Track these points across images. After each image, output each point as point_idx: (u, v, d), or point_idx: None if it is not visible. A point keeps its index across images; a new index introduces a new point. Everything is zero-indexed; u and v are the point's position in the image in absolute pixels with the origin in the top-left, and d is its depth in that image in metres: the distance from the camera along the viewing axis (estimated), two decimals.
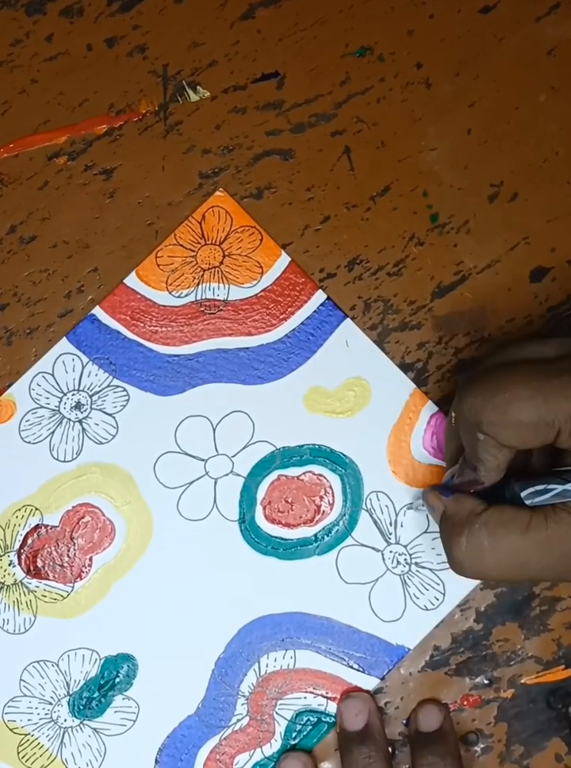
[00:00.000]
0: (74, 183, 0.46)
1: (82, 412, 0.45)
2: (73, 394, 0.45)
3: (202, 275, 0.46)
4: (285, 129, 0.46)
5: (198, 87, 0.46)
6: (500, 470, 0.38)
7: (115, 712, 0.43)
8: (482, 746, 0.43)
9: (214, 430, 0.45)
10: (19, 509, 0.44)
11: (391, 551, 0.44)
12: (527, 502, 0.37)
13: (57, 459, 0.45)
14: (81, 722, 0.43)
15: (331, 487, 0.44)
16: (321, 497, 0.44)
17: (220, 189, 0.46)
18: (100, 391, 0.45)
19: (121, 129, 0.46)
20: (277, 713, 0.43)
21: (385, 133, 0.46)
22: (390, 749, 0.43)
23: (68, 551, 0.44)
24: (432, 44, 0.46)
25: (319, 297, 0.45)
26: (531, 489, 0.37)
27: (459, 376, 0.39)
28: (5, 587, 0.44)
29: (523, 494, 0.37)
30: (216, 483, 0.44)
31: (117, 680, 0.43)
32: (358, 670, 0.43)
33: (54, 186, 0.46)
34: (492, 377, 0.37)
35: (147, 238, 0.46)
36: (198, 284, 0.46)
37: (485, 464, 0.38)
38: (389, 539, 0.44)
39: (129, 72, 0.46)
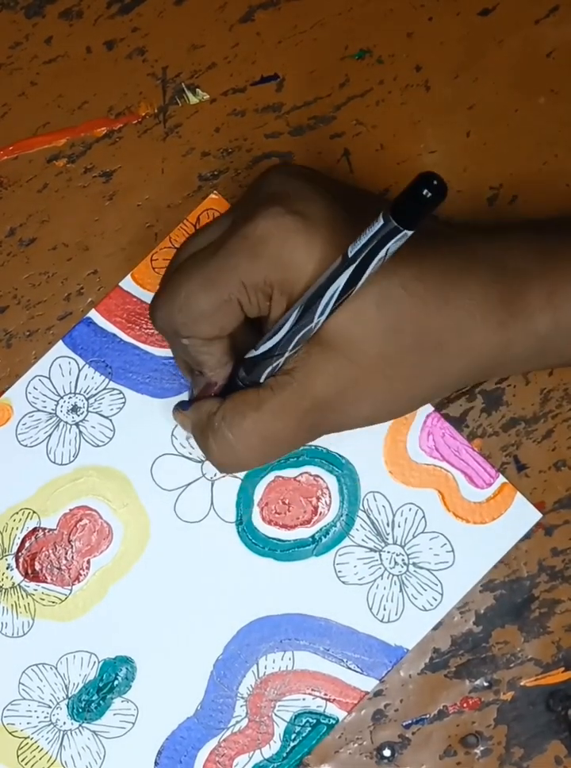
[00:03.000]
0: (74, 186, 0.49)
1: (78, 415, 0.48)
2: (69, 397, 0.48)
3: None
4: (284, 132, 0.49)
5: (198, 90, 0.49)
6: (224, 363, 0.42)
7: (114, 714, 0.46)
8: (482, 748, 0.46)
9: None
10: (16, 513, 0.47)
11: (389, 552, 0.46)
12: (261, 381, 0.41)
13: (54, 462, 0.47)
14: (80, 725, 0.46)
15: (327, 488, 0.47)
16: (318, 498, 0.47)
17: (215, 192, 0.49)
18: (96, 394, 0.48)
19: (121, 132, 0.49)
20: (276, 715, 0.46)
21: (384, 136, 0.49)
22: (390, 751, 0.47)
23: (66, 553, 0.47)
24: (431, 47, 0.49)
25: None
26: (254, 370, 0.41)
27: None
28: (3, 590, 0.47)
29: (249, 377, 0.41)
30: (212, 485, 0.47)
31: (116, 682, 0.46)
32: (357, 671, 0.46)
33: (53, 188, 0.49)
34: (168, 283, 0.41)
35: (147, 240, 0.48)
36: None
37: (206, 364, 0.42)
38: (387, 539, 0.46)
39: (129, 74, 0.49)
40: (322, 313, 0.38)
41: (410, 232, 0.34)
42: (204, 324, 0.40)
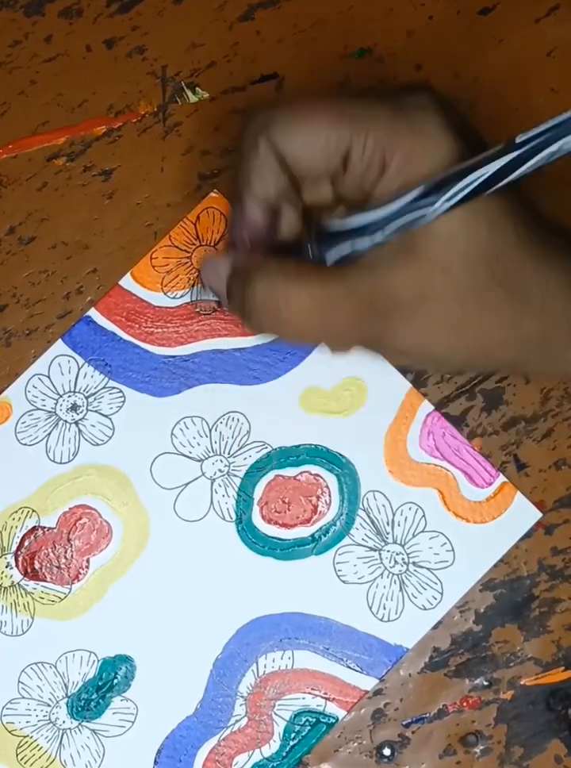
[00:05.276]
0: (73, 184, 0.49)
1: (78, 414, 0.48)
2: (69, 396, 0.48)
3: (197, 276, 0.49)
4: None
5: (197, 88, 0.50)
6: (265, 207, 0.38)
7: (113, 713, 0.47)
8: (482, 747, 0.47)
9: (210, 431, 0.48)
10: (16, 511, 0.48)
11: (388, 551, 0.47)
12: (329, 263, 0.37)
13: (53, 461, 0.48)
14: (79, 723, 0.47)
15: (327, 487, 0.47)
16: (318, 497, 0.47)
17: (215, 190, 0.49)
18: (96, 393, 0.48)
19: (120, 130, 0.50)
20: (275, 714, 0.47)
21: None
22: (390, 750, 0.47)
23: (65, 552, 0.47)
24: (431, 45, 0.49)
25: None
26: (330, 249, 0.37)
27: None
28: (3, 589, 0.47)
29: (319, 254, 0.37)
30: (212, 484, 0.48)
31: (115, 681, 0.47)
32: (357, 670, 0.46)
33: (53, 187, 0.49)
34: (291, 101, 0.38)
35: (147, 239, 0.49)
36: (193, 285, 0.49)
37: (252, 189, 0.38)
38: (387, 538, 0.47)
39: (128, 73, 0.50)
40: (450, 199, 0.34)
41: None
42: (300, 141, 0.37)
